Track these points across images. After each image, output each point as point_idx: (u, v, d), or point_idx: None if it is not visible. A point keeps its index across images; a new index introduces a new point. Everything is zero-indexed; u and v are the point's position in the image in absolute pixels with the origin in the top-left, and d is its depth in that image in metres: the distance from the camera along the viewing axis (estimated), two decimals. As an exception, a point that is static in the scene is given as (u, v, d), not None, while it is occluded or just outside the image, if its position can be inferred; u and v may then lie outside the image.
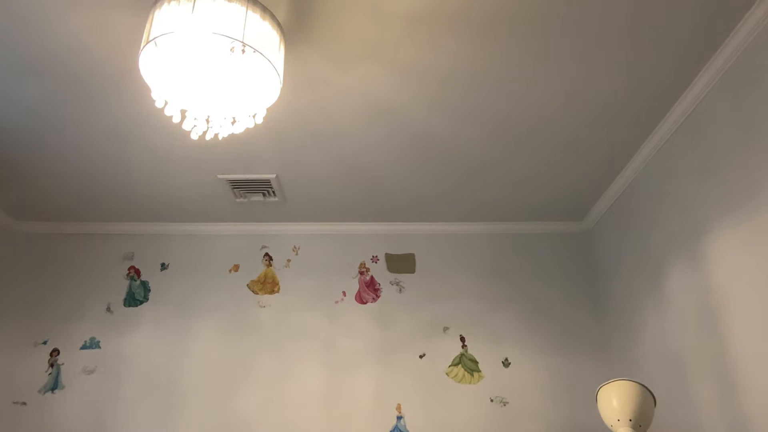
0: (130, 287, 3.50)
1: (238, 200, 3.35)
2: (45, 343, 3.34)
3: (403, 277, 3.54)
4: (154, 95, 1.84)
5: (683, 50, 2.21)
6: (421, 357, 3.30)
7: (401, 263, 3.59)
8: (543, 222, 3.64)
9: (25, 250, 3.58)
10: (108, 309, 3.43)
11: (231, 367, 3.26)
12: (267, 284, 3.51)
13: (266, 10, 1.82)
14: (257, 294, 3.48)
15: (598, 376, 3.23)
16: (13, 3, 1.97)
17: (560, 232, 3.65)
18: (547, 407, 3.16)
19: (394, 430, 3.10)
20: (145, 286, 3.50)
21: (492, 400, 3.18)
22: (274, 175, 3.09)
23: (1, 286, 3.46)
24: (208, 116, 1.89)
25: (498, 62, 2.26)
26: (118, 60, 2.23)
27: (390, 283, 3.52)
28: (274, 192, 3.26)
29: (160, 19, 1.71)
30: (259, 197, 3.32)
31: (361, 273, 3.55)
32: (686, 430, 2.48)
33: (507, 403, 3.18)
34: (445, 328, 3.38)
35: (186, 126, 1.88)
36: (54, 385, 3.22)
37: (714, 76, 2.27)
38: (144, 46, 1.74)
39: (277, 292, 3.49)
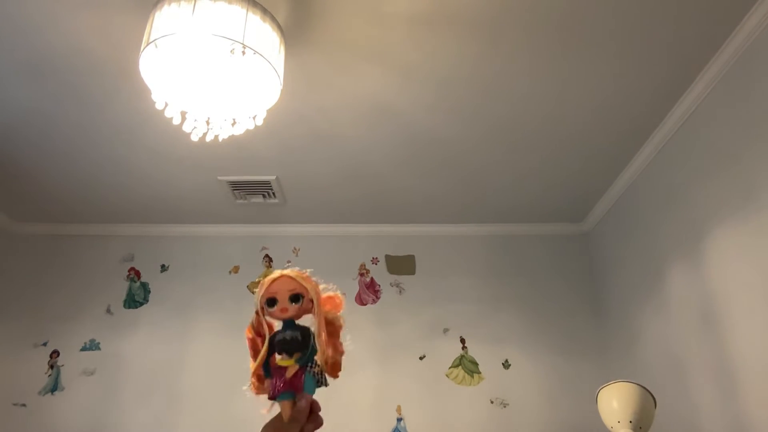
0: (130, 289, 3.49)
1: (238, 201, 3.35)
2: (45, 344, 3.33)
3: (403, 279, 3.54)
4: (154, 97, 1.84)
5: (683, 52, 2.21)
6: (421, 358, 3.30)
7: (401, 265, 3.58)
8: (543, 224, 3.64)
9: (24, 252, 3.58)
10: (108, 310, 3.43)
11: (231, 368, 3.26)
12: (267, 286, 3.51)
13: (266, 12, 1.83)
14: (257, 295, 3.47)
15: (599, 378, 3.22)
16: (14, 4, 1.97)
17: (560, 233, 3.65)
18: (547, 409, 3.15)
19: (394, 431, 3.10)
20: (145, 288, 3.50)
21: (492, 402, 3.18)
22: (274, 177, 3.09)
23: (1, 288, 3.46)
24: (209, 118, 1.89)
25: (498, 63, 2.26)
26: (119, 61, 2.23)
27: (390, 284, 3.52)
28: (274, 193, 3.26)
29: (161, 21, 1.71)
30: (259, 199, 3.32)
31: (361, 274, 3.55)
32: (687, 431, 2.47)
33: (507, 404, 3.17)
34: (445, 330, 3.37)
35: (186, 127, 1.88)
36: (54, 387, 3.22)
37: (714, 78, 2.28)
38: (144, 48, 1.74)
39: (277, 293, 3.49)
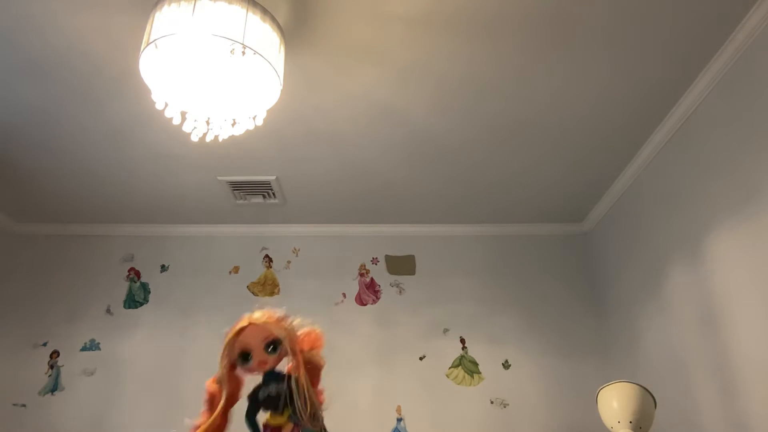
0: (130, 289, 3.49)
1: (238, 202, 3.35)
2: (45, 344, 3.33)
3: (403, 279, 3.54)
4: (154, 97, 1.84)
5: (683, 51, 2.21)
6: (421, 359, 3.30)
7: (401, 265, 3.58)
8: (543, 224, 3.64)
9: (24, 252, 3.58)
10: (108, 311, 3.43)
11: (231, 368, 3.26)
12: (267, 286, 3.51)
13: (266, 12, 1.83)
14: (257, 296, 3.47)
15: (599, 378, 3.22)
16: (16, 5, 1.97)
17: (560, 233, 3.65)
18: (547, 409, 3.15)
19: (394, 431, 3.10)
20: (145, 288, 3.50)
21: (492, 402, 3.18)
22: (274, 177, 3.09)
23: (1, 288, 3.46)
24: (209, 118, 1.89)
25: (496, 63, 2.26)
26: (120, 61, 2.24)
27: (390, 284, 3.52)
28: (274, 194, 3.26)
29: (161, 21, 1.71)
30: (259, 199, 3.32)
31: (361, 275, 3.55)
32: (687, 431, 2.47)
33: (507, 405, 3.17)
34: (445, 330, 3.37)
35: (186, 127, 1.88)
36: (54, 387, 3.22)
37: (714, 78, 2.28)
38: (144, 48, 1.74)
39: (277, 293, 3.49)
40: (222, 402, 1.19)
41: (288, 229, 3.65)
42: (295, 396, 1.18)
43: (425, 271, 3.56)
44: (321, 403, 1.23)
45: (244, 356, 1.22)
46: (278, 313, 1.28)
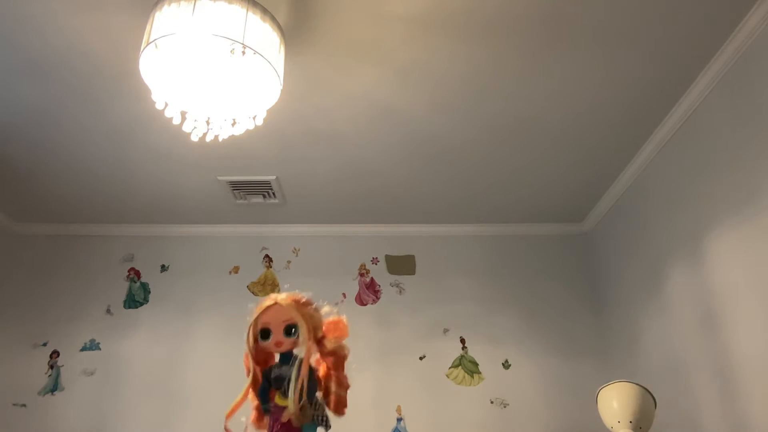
0: (130, 289, 3.49)
1: (238, 202, 3.35)
2: (45, 344, 3.33)
3: (403, 279, 3.54)
4: (154, 97, 1.84)
5: (683, 52, 2.21)
6: (421, 359, 3.30)
7: (401, 265, 3.58)
8: (543, 224, 3.63)
9: (24, 252, 3.58)
10: (108, 311, 3.43)
11: (231, 369, 3.24)
12: (267, 286, 3.51)
13: (266, 12, 1.83)
14: (257, 296, 3.47)
15: (599, 378, 3.22)
16: (16, 5, 1.97)
17: (560, 233, 3.65)
18: (547, 409, 3.15)
19: (394, 431, 3.10)
20: (145, 288, 3.50)
21: (492, 402, 3.18)
22: (274, 177, 3.09)
23: (1, 288, 3.45)
24: (209, 118, 1.89)
25: (495, 63, 2.26)
26: (120, 61, 2.24)
27: (390, 284, 3.52)
28: (274, 193, 3.26)
29: (161, 21, 1.71)
30: (259, 199, 3.32)
31: (361, 275, 3.55)
32: (687, 431, 2.47)
33: (507, 405, 3.17)
34: (445, 330, 3.37)
35: (186, 127, 1.88)
36: (54, 387, 3.22)
37: (714, 78, 2.27)
38: (144, 48, 1.74)
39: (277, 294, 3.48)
40: (250, 377, 1.25)
41: (288, 229, 3.65)
42: (292, 382, 1.19)
43: (425, 271, 3.56)
44: (347, 387, 1.27)
45: (264, 333, 1.26)
46: (304, 297, 1.30)
